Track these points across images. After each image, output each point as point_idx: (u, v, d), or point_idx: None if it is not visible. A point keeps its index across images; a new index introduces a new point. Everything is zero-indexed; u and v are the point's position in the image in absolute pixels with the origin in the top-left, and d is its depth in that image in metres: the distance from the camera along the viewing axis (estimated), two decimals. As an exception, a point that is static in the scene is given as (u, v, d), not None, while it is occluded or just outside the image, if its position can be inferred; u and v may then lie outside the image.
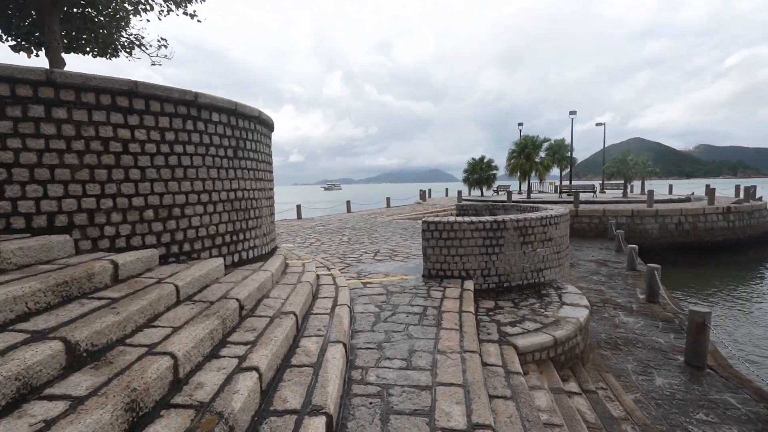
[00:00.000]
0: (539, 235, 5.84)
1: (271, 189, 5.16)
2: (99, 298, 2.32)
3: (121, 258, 2.76)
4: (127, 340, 2.10)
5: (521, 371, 3.42)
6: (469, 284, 5.26)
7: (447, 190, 32.41)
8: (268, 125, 4.88)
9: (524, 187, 31.51)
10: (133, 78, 3.46)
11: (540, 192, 26.32)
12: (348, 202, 20.30)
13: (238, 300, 2.96)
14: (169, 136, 3.32)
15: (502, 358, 3.54)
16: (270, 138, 5.16)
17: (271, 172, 5.17)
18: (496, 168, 26.91)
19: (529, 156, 20.80)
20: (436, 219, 5.73)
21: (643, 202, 17.93)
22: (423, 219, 5.82)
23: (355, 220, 15.50)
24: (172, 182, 3.35)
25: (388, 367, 2.97)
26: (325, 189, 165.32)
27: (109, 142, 2.99)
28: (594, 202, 18.48)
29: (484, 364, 3.34)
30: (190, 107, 3.46)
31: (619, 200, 19.26)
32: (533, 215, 5.85)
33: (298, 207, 18.02)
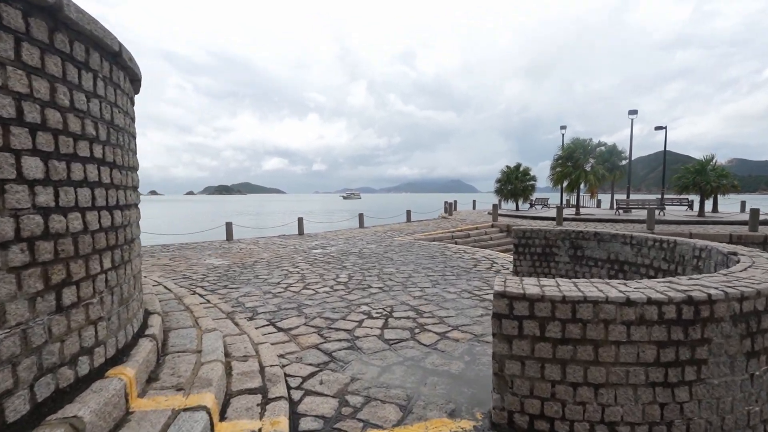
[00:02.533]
0: (781, 331, 2.39)
1: (121, 207, 1.94)
2: None
3: None
4: None
5: None
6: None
7: (474, 202, 28.82)
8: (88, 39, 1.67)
9: (567, 200, 27.62)
10: None
11: (577, 207, 21.90)
12: (360, 216, 17.08)
13: None
14: None
15: None
16: (109, 81, 1.95)
17: (122, 169, 1.96)
18: (534, 178, 23.25)
19: (577, 163, 17.11)
20: (534, 289, 2.38)
21: (738, 223, 13.98)
22: (495, 289, 2.47)
23: (367, 239, 12.23)
24: None
25: None
26: (344, 198, 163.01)
27: None
28: (669, 221, 14.65)
29: None
30: None
31: (699, 220, 15.33)
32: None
33: (300, 220, 14.91)
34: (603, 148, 17.88)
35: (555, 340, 2.24)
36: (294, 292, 5.52)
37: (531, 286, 2.43)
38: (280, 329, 3.98)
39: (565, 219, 15.41)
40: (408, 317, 4.40)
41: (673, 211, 20.34)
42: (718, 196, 18.68)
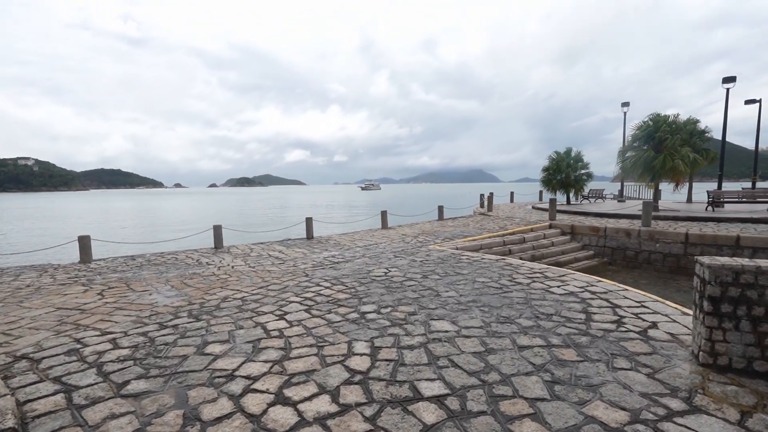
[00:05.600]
0: None
1: None
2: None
3: None
4: None
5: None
6: None
7: (512, 194, 25.19)
8: None
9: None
10: None
11: (655, 201, 16.60)
12: (384, 214, 13.98)
13: None
14: None
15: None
16: None
17: None
18: (587, 165, 19.48)
19: (663, 145, 13.36)
20: None
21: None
22: None
23: (394, 248, 9.15)
24: None
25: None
26: (363, 189, 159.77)
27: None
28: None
29: None
30: None
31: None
32: None
33: (309, 222, 11.95)
34: (696, 125, 13.95)
35: None
36: (252, 418, 2.49)
37: None
38: None
39: (637, 216, 11.80)
40: None
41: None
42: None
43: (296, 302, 4.97)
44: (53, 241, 13.09)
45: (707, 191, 14.05)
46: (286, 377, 2.99)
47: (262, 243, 10.91)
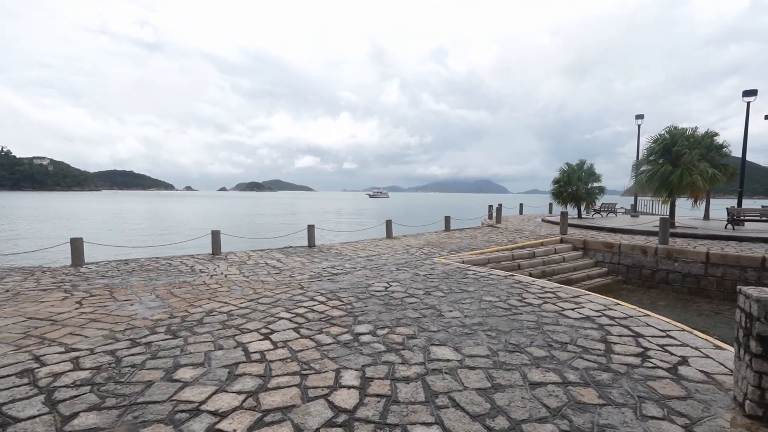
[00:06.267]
0: None
1: None
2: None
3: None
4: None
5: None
6: None
7: (522, 206, 24.63)
8: None
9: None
10: None
11: (672, 217, 15.90)
12: (388, 223, 13.57)
13: None
14: None
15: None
16: None
17: None
18: (599, 178, 18.93)
19: (681, 160, 12.81)
20: None
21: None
22: None
23: (397, 260, 8.72)
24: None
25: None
26: (370, 196, 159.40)
27: None
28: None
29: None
30: None
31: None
32: None
33: (311, 229, 11.59)
34: (714, 139, 13.42)
35: None
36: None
37: None
38: None
39: (653, 233, 11.25)
40: None
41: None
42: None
43: (286, 319, 4.57)
44: (57, 243, 12.88)
45: (726, 208, 13.43)
46: (259, 414, 2.58)
47: (261, 250, 10.56)
